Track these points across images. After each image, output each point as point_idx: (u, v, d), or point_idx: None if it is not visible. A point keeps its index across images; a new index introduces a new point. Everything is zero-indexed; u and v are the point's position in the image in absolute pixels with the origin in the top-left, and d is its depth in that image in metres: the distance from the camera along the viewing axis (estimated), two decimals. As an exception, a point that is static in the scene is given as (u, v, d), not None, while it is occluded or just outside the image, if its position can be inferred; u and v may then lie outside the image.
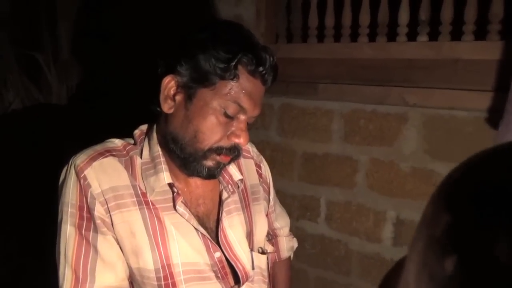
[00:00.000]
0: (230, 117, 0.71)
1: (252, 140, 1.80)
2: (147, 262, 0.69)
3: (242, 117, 0.72)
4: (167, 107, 0.72)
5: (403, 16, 1.44)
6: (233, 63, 0.67)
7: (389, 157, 1.47)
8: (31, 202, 1.59)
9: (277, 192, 1.76)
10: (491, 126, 1.27)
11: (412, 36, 1.45)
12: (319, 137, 1.62)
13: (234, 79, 0.69)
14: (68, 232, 0.68)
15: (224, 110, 0.70)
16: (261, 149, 1.81)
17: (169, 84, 0.71)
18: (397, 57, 1.47)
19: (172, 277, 0.70)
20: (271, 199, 0.98)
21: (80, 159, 0.71)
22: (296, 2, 1.69)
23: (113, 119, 1.16)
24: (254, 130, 1.78)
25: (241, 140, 0.72)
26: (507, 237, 0.18)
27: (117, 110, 1.67)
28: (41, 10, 2.36)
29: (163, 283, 0.70)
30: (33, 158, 1.46)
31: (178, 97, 0.71)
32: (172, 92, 0.71)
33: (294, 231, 1.77)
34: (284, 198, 1.75)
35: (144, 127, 0.81)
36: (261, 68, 0.69)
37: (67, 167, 0.72)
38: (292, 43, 1.72)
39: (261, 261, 0.83)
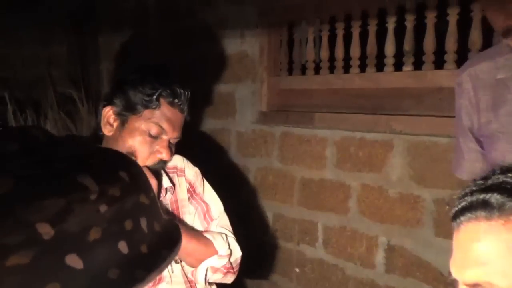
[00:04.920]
0: (154, 137, 0.91)
1: (256, 167, 1.91)
2: None
3: (164, 137, 0.92)
4: (107, 130, 0.91)
5: (389, 48, 1.51)
6: (155, 96, 0.87)
7: (378, 183, 1.50)
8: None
9: (279, 216, 1.84)
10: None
11: (399, 66, 1.51)
12: (315, 164, 1.69)
13: (157, 108, 0.91)
14: None
15: (148, 131, 0.90)
16: (264, 175, 1.91)
17: (108, 113, 0.91)
18: (385, 86, 1.53)
19: None
20: (207, 216, 1.07)
21: None
22: (296, 38, 1.82)
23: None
24: (258, 157, 1.89)
25: (163, 155, 0.92)
26: None
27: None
28: (87, 52, 2.72)
29: None
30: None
31: (115, 123, 0.90)
32: (111, 119, 0.90)
33: (295, 255, 1.83)
34: (286, 222, 1.82)
35: None
36: (176, 100, 0.89)
37: None
38: (292, 75, 1.84)
39: (176, 268, 0.95)
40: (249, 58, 1.89)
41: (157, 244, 0.34)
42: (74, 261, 0.28)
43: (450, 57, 1.37)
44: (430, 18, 1.41)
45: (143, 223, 0.34)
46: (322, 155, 1.66)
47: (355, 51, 1.61)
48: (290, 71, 1.86)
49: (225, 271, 0.99)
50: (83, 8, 2.62)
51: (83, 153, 0.36)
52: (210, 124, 2.06)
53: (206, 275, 0.97)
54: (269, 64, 1.86)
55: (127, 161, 0.37)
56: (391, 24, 1.50)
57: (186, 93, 0.93)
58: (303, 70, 1.80)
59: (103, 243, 0.30)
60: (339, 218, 1.63)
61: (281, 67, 1.87)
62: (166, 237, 0.36)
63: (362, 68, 1.61)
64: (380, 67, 1.56)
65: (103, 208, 0.30)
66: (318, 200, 1.69)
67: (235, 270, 1.02)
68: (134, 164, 0.37)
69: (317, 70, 1.75)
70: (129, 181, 0.34)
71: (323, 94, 1.73)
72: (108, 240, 0.30)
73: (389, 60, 1.52)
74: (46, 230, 0.27)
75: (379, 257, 1.52)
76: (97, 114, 2.12)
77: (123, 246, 0.31)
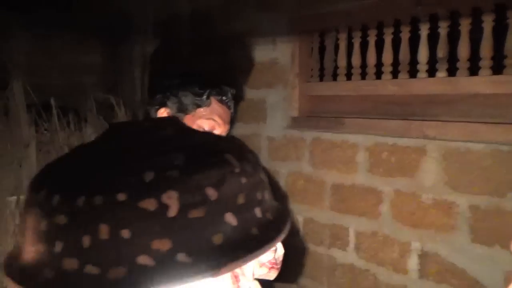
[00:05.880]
0: None
1: (287, 171, 1.93)
2: None
3: (217, 132, 1.01)
4: None
5: (423, 54, 1.52)
6: (205, 96, 0.95)
7: (411, 189, 1.51)
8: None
9: (310, 220, 1.86)
10: (508, 158, 1.27)
11: (432, 72, 1.52)
12: (346, 169, 1.71)
13: (208, 106, 1.01)
14: None
15: (203, 127, 0.99)
16: (295, 180, 1.94)
17: (162, 114, 0.97)
18: (418, 93, 1.54)
19: None
20: None
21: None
22: (327, 45, 1.85)
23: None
24: (289, 162, 1.92)
25: None
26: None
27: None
28: (122, 60, 2.83)
29: None
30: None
31: None
32: None
33: (326, 259, 1.84)
34: (316, 227, 1.84)
35: None
36: (224, 97, 0.97)
37: None
38: (323, 81, 1.86)
39: None
40: (280, 65, 1.93)
41: (277, 214, 0.41)
42: (230, 218, 0.36)
43: (485, 63, 1.38)
44: (465, 25, 1.42)
45: (266, 195, 0.42)
46: (353, 160, 1.68)
47: (387, 58, 1.62)
48: (321, 77, 1.88)
49: (270, 266, 1.02)
50: (119, 18, 2.73)
51: (217, 138, 0.46)
52: (241, 129, 2.10)
53: (253, 269, 1.00)
54: (300, 70, 1.89)
55: (246, 146, 0.45)
56: (424, 31, 1.51)
57: (232, 90, 1.02)
58: (334, 76, 1.83)
59: (246, 207, 0.38)
60: (371, 223, 1.64)
61: (312, 73, 1.90)
62: (281, 210, 0.44)
63: (394, 74, 1.62)
64: (412, 73, 1.57)
65: (243, 180, 0.39)
66: (349, 205, 1.71)
67: (278, 266, 1.05)
68: (250, 148, 0.45)
69: (348, 76, 1.78)
70: (254, 161, 0.42)
71: (354, 100, 1.75)
72: (249, 205, 0.39)
73: (422, 67, 1.53)
74: (212, 193, 0.36)
75: (412, 263, 1.52)
76: (134, 118, 2.21)
77: (258, 211, 0.39)
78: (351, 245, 1.71)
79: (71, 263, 0.33)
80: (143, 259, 0.32)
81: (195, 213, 0.34)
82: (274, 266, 1.03)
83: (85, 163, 0.38)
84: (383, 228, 1.60)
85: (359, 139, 1.66)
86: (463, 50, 1.42)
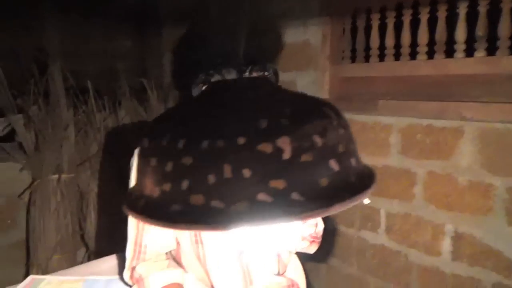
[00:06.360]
0: None
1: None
2: None
3: None
4: None
5: (460, 33, 1.48)
6: (248, 72, 0.94)
7: (446, 171, 1.49)
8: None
9: (340, 202, 1.87)
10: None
11: (470, 52, 1.48)
12: (379, 151, 1.70)
13: None
14: None
15: None
16: (325, 162, 1.94)
17: None
18: (455, 73, 1.51)
19: (199, 233, 0.90)
20: None
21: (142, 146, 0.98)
22: (359, 26, 1.83)
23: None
24: (319, 144, 1.93)
25: None
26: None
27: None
28: (151, 45, 2.88)
29: (193, 238, 0.91)
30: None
31: None
32: None
33: (356, 240, 1.85)
34: (347, 208, 1.85)
35: None
36: (266, 73, 0.95)
37: (134, 155, 0.97)
38: (356, 63, 1.85)
39: None
40: (312, 47, 1.92)
41: (366, 167, 0.44)
42: (334, 164, 0.40)
43: (528, 41, 1.33)
44: (506, 2, 1.37)
45: (357, 149, 0.46)
46: (386, 142, 1.67)
47: (422, 38, 1.59)
48: (353, 59, 1.87)
49: (312, 240, 1.04)
50: (147, 4, 2.76)
51: (311, 95, 0.50)
52: (271, 112, 2.11)
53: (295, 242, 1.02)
54: (331, 52, 1.88)
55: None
56: (462, 9, 1.47)
57: (273, 66, 1.02)
58: (367, 58, 1.81)
59: (346, 156, 0.42)
60: (403, 204, 1.63)
61: (344, 55, 1.88)
62: (367, 165, 0.48)
63: (430, 55, 1.59)
64: (448, 53, 1.54)
65: (341, 131, 0.43)
66: (381, 187, 1.71)
67: (319, 240, 1.07)
68: None
69: (381, 57, 1.75)
70: (344, 117, 0.46)
71: (387, 82, 1.72)
72: (348, 154, 0.42)
73: (460, 46, 1.49)
74: (318, 140, 0.39)
75: (446, 244, 1.51)
76: (165, 101, 2.26)
77: (353, 161, 0.43)
78: (382, 226, 1.72)
79: (197, 199, 0.36)
80: (262, 196, 0.36)
81: (305, 157, 0.37)
82: (316, 240, 1.05)
83: (200, 113, 0.43)
84: (416, 210, 1.60)
85: (393, 121, 1.64)
86: (505, 28, 1.38)
